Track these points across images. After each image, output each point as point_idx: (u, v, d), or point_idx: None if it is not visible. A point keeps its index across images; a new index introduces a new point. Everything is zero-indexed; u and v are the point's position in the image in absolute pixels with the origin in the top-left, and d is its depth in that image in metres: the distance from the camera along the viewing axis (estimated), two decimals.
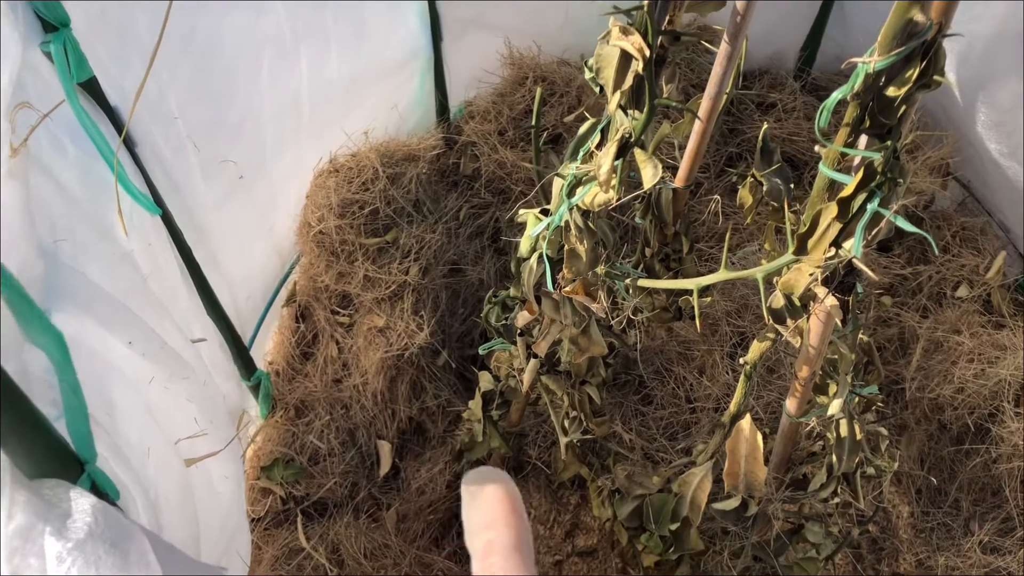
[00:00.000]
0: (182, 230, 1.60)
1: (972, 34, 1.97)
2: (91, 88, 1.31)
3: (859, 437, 1.46)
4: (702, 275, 1.78)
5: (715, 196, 2.01)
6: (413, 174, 2.18)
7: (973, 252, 2.27)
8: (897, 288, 2.25)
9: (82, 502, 0.82)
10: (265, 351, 2.17)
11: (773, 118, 2.43)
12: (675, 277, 1.73)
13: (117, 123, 1.39)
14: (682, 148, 1.59)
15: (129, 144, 1.45)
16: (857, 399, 1.49)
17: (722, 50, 1.31)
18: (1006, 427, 1.96)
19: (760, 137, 1.39)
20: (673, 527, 1.57)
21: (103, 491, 0.96)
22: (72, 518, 0.81)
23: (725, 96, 1.42)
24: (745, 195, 1.50)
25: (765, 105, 2.49)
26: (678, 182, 1.57)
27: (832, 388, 1.46)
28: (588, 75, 1.18)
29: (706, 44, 1.45)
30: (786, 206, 1.36)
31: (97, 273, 1.16)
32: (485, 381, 1.79)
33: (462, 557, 2.00)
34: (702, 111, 1.37)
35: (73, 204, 1.19)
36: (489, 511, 0.50)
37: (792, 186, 1.45)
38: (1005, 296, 2.20)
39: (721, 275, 1.20)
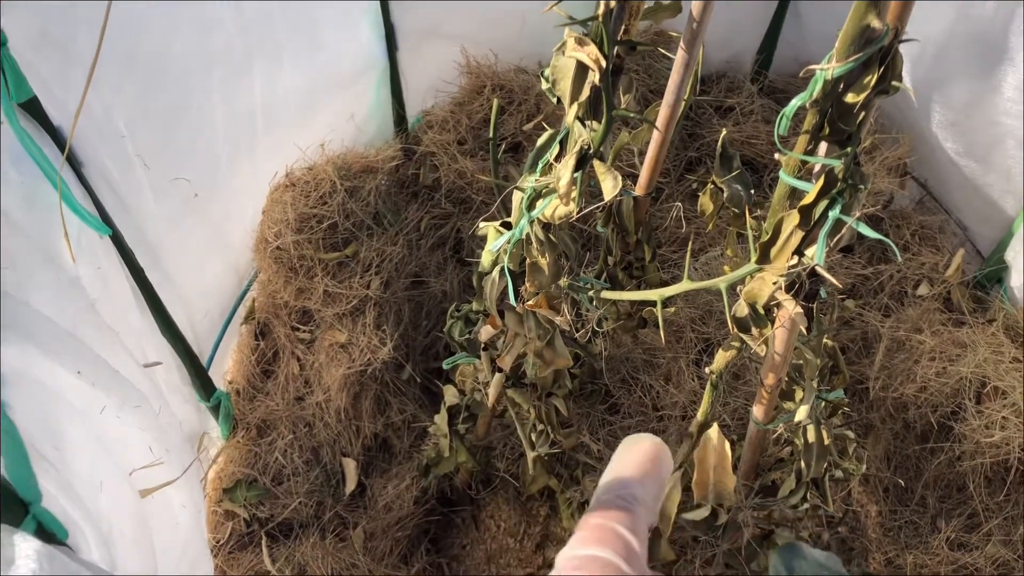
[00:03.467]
0: (133, 250, 1.56)
1: (924, 35, 1.98)
2: (32, 108, 1.27)
3: (827, 442, 1.46)
4: (665, 282, 1.77)
5: (676, 203, 2.00)
6: (372, 186, 2.15)
7: (932, 250, 2.28)
8: (858, 288, 2.26)
9: (25, 547, 0.78)
10: (224, 370, 2.12)
11: (731, 122, 2.44)
12: (638, 285, 1.72)
13: (61, 143, 1.35)
14: (642, 155, 1.58)
15: (75, 164, 1.41)
16: (824, 404, 1.49)
17: (679, 57, 1.29)
18: (968, 424, 1.97)
19: (719, 143, 1.38)
20: None
21: (50, 531, 0.92)
22: (15, 564, 0.78)
23: (683, 103, 1.41)
24: (706, 202, 1.49)
25: (723, 109, 2.49)
26: (639, 190, 1.56)
27: (799, 394, 1.45)
28: (545, 86, 1.16)
29: (663, 51, 1.44)
30: (747, 212, 1.35)
31: (42, 301, 1.12)
32: (450, 395, 1.77)
33: (432, 574, 1.97)
34: (661, 120, 1.36)
35: (16, 230, 1.14)
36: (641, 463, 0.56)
37: (752, 191, 1.44)
38: (964, 293, 2.22)
39: (684, 286, 1.19)
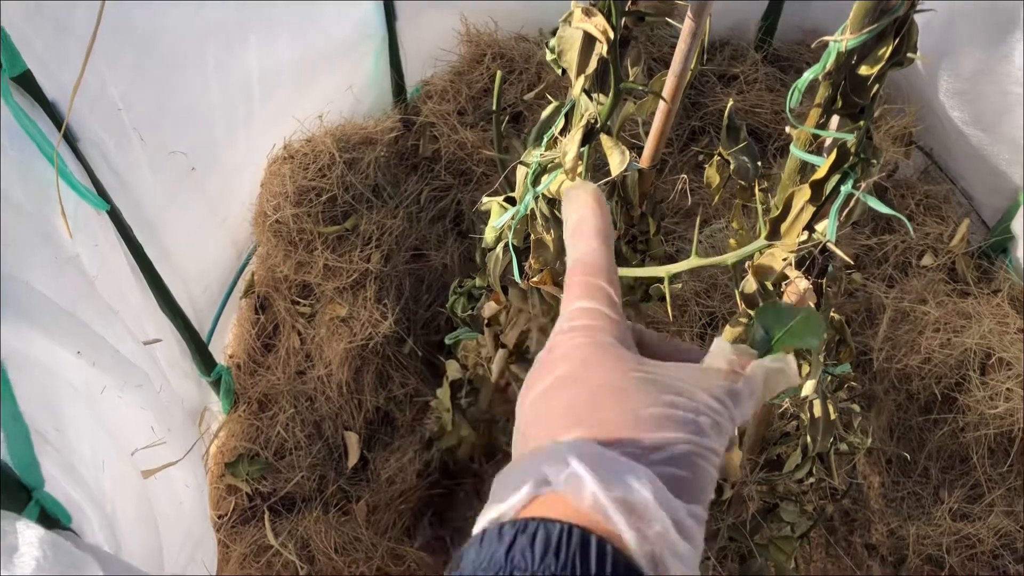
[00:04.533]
0: (131, 226, 1.54)
1: (933, 3, 1.95)
2: (27, 83, 1.24)
3: (833, 417, 1.45)
4: (670, 255, 1.75)
5: (682, 176, 1.98)
6: (371, 158, 2.12)
7: (937, 220, 2.26)
8: (863, 258, 2.24)
9: (29, 534, 0.77)
10: (225, 344, 2.11)
11: (735, 90, 2.40)
12: (643, 259, 1.70)
13: (56, 118, 1.32)
14: (646, 125, 1.55)
15: (71, 139, 1.38)
16: (830, 378, 1.48)
17: (686, 27, 1.26)
18: (972, 396, 1.97)
19: (726, 114, 1.36)
20: None
21: (54, 517, 0.91)
22: (19, 552, 0.77)
23: (689, 73, 1.38)
24: (712, 174, 1.47)
25: (727, 77, 2.46)
26: (643, 162, 1.53)
27: (805, 368, 1.44)
28: (550, 56, 1.14)
29: (669, 20, 1.41)
30: (755, 186, 1.33)
31: (40, 281, 1.10)
32: (452, 370, 1.76)
33: (435, 547, 1.98)
34: (667, 90, 1.33)
35: (11, 208, 1.12)
36: (581, 205, 0.60)
37: (759, 163, 1.42)
38: (969, 264, 2.21)
39: (692, 262, 1.17)
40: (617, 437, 0.47)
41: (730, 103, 1.36)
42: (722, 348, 0.57)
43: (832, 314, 1.44)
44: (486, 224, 1.36)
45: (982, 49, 1.98)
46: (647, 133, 1.56)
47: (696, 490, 0.47)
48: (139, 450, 1.21)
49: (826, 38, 0.96)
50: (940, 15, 1.98)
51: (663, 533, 0.43)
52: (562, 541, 0.41)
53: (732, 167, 1.41)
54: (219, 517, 1.91)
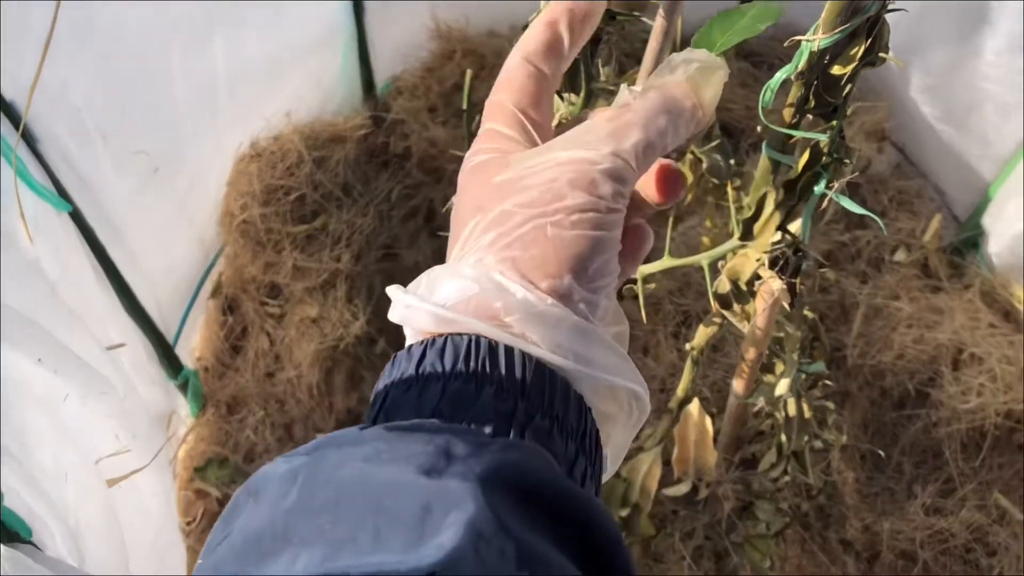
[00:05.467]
0: (94, 228, 1.51)
1: (905, 1, 1.95)
2: None
3: (807, 415, 1.45)
4: None
5: None
6: (340, 156, 2.10)
7: (909, 215, 2.27)
8: (835, 254, 2.24)
9: None
10: (192, 347, 2.07)
11: None
12: None
13: (14, 118, 1.29)
14: None
15: (30, 140, 1.35)
16: (804, 376, 1.48)
17: (657, 25, 1.25)
18: (945, 391, 1.97)
19: None
20: (623, 513, 1.54)
21: (12, 531, 0.88)
22: None
23: None
24: (685, 172, 1.46)
25: None
26: None
27: (779, 367, 1.44)
28: None
29: (640, 16, 1.40)
30: (729, 187, 1.32)
31: None
32: None
33: None
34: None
35: None
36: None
37: (732, 160, 1.41)
38: (941, 259, 2.21)
39: (665, 263, 1.16)
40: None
41: None
42: (620, 92, 0.52)
43: (806, 312, 1.44)
44: None
45: (952, 45, 1.99)
46: None
47: (570, 256, 0.45)
48: (103, 459, 1.18)
49: (798, 37, 0.95)
50: (910, 11, 1.99)
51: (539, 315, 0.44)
52: (471, 350, 0.43)
53: (705, 165, 1.40)
54: (188, 523, 1.88)
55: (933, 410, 2.00)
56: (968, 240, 2.20)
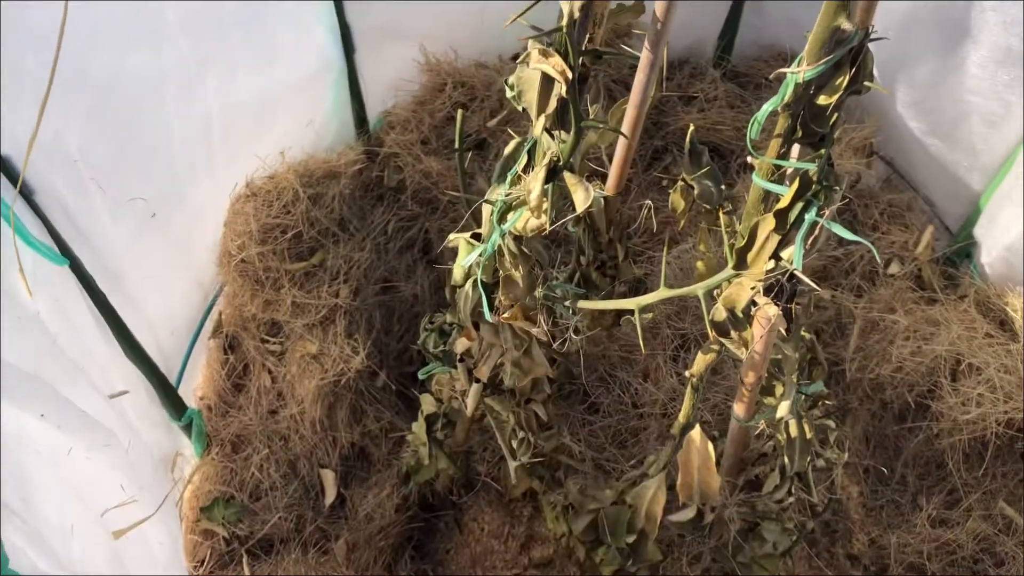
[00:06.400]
0: (94, 276, 1.52)
1: (887, 14, 1.97)
2: None
3: (809, 435, 1.45)
4: (640, 280, 1.75)
5: (646, 202, 1.98)
6: (335, 192, 2.11)
7: (901, 228, 2.28)
8: (829, 269, 2.25)
9: None
10: (195, 387, 2.08)
11: (696, 109, 2.41)
12: (612, 283, 1.70)
13: (10, 173, 1.30)
14: (609, 148, 1.55)
15: (27, 193, 1.36)
16: (804, 397, 1.48)
17: (644, 58, 1.27)
18: (945, 402, 1.98)
19: (687, 140, 1.36)
20: (630, 540, 1.54)
21: None
22: None
23: (649, 102, 1.38)
24: (677, 199, 1.47)
25: (687, 96, 2.47)
26: (608, 190, 1.54)
27: (779, 389, 1.45)
28: (510, 94, 1.13)
29: (625, 47, 1.42)
30: (720, 212, 1.33)
31: (1, 343, 1.08)
32: (427, 404, 1.74)
33: None
34: (627, 121, 1.33)
35: None
36: None
37: (723, 185, 1.43)
38: (935, 271, 2.23)
39: (661, 294, 1.17)
40: None
41: (691, 128, 1.36)
42: None
43: (803, 333, 1.44)
44: (455, 256, 1.36)
45: (936, 59, 2.01)
46: (611, 158, 1.56)
47: None
48: (109, 510, 1.19)
49: (783, 70, 0.97)
50: (894, 27, 2.01)
51: None
52: None
53: (696, 191, 1.41)
54: (196, 565, 1.88)
55: (934, 422, 2.00)
56: (961, 251, 2.22)
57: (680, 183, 1.44)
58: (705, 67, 2.50)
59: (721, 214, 1.40)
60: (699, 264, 1.58)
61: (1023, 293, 2.09)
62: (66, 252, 1.42)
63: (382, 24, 2.18)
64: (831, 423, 1.57)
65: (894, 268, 2.24)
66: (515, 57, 1.13)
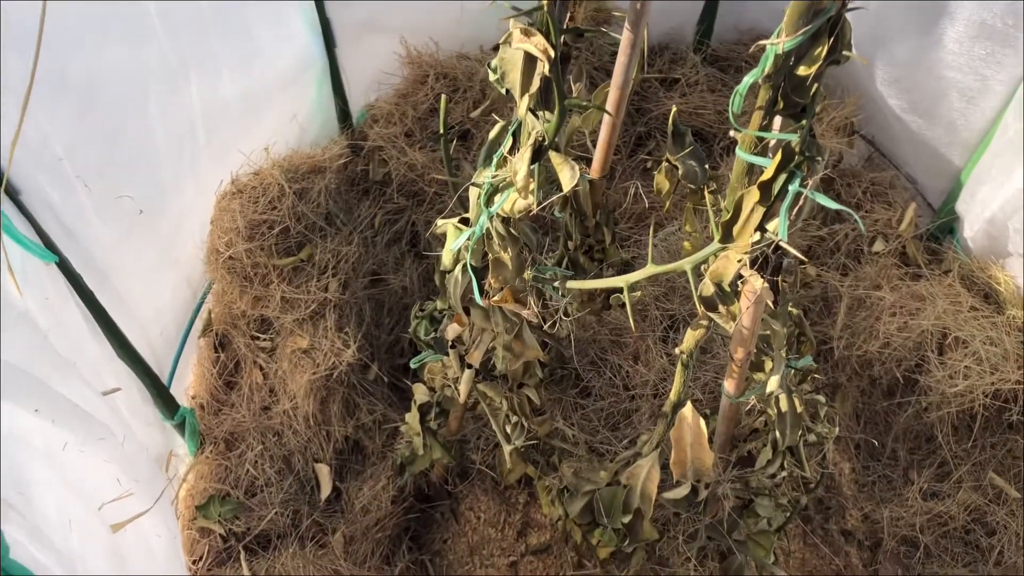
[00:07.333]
0: (82, 275, 1.51)
1: None
2: None
3: (799, 410, 1.46)
4: (627, 262, 1.77)
5: (633, 182, 2.00)
6: (321, 186, 2.11)
7: (884, 206, 2.30)
8: (815, 249, 2.27)
9: None
10: (186, 386, 2.08)
11: (678, 93, 2.43)
12: (600, 267, 1.71)
13: None
14: (593, 135, 1.56)
15: (12, 193, 1.36)
16: (793, 372, 1.50)
17: (625, 38, 1.28)
18: (932, 376, 2.00)
19: (670, 121, 1.37)
20: (626, 519, 1.55)
21: None
22: None
23: (631, 83, 1.39)
24: (662, 180, 1.48)
25: (669, 81, 2.48)
26: (593, 173, 1.55)
27: (768, 364, 1.46)
28: (493, 77, 1.14)
29: (607, 30, 1.43)
30: (704, 191, 1.34)
31: None
32: (420, 393, 1.75)
33: (416, 572, 1.96)
34: (611, 102, 1.34)
35: None
36: None
37: (706, 166, 1.44)
38: (919, 247, 2.25)
39: (649, 270, 1.18)
40: None
41: (674, 109, 1.38)
42: None
43: (790, 308, 1.46)
44: (443, 244, 1.36)
45: (914, 37, 2.03)
46: (595, 143, 1.57)
47: None
48: (106, 504, 1.19)
49: (763, 41, 0.98)
50: (871, 7, 2.03)
51: None
52: None
53: (680, 172, 1.42)
54: (194, 562, 1.88)
55: (922, 396, 2.02)
56: (944, 226, 2.24)
57: (664, 164, 1.46)
58: (685, 52, 2.51)
59: (706, 193, 1.41)
60: (686, 244, 1.60)
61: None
62: (54, 250, 1.41)
63: (362, 18, 2.18)
64: (821, 398, 1.58)
65: (879, 246, 2.26)
66: (497, 48, 1.13)
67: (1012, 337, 1.99)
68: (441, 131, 1.27)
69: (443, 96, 1.24)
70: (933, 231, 2.26)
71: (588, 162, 1.60)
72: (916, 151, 2.26)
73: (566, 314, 1.35)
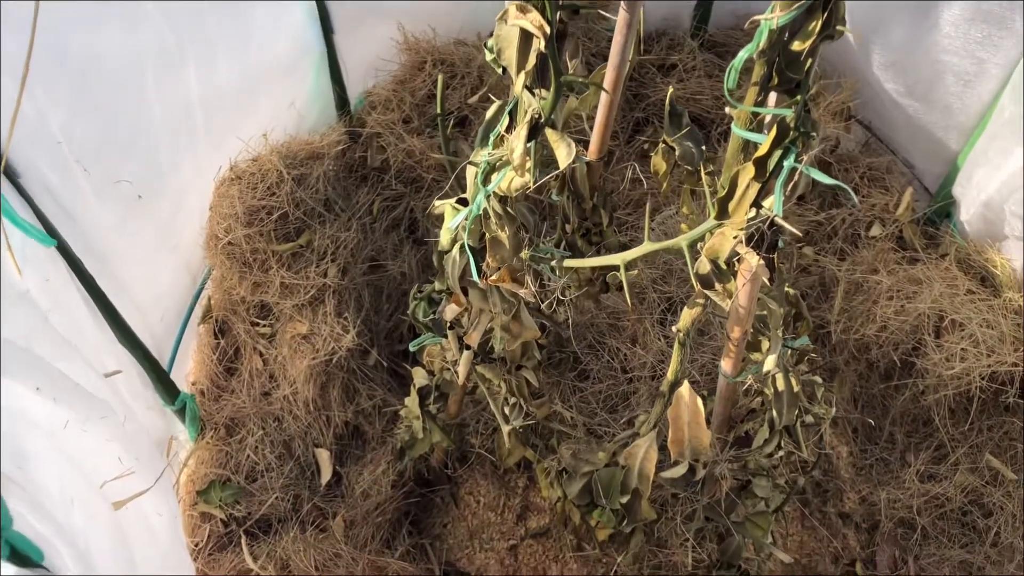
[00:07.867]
0: (81, 258, 1.52)
1: None
2: None
3: (796, 390, 1.47)
4: (624, 245, 1.77)
5: (631, 163, 2.00)
6: (319, 172, 2.12)
7: (881, 191, 2.31)
8: (813, 234, 2.28)
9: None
10: (186, 372, 2.09)
11: (675, 79, 2.43)
12: (598, 250, 1.72)
13: None
14: (590, 119, 1.57)
15: (11, 175, 1.36)
16: (790, 352, 1.50)
17: (621, 18, 1.28)
18: (929, 359, 2.01)
19: (667, 101, 1.38)
20: (624, 500, 1.56)
21: (24, 555, 0.90)
22: None
23: (628, 64, 1.40)
24: (659, 162, 1.49)
25: (666, 67, 2.49)
26: (591, 155, 1.55)
27: (765, 344, 1.47)
28: (489, 56, 1.14)
29: (603, 13, 1.43)
30: (701, 170, 1.35)
31: None
32: (419, 377, 1.76)
33: (416, 556, 1.97)
34: (608, 82, 1.35)
35: None
36: None
37: (703, 148, 1.44)
38: (916, 231, 2.25)
39: (646, 248, 1.19)
40: None
41: (670, 90, 1.38)
42: None
43: (787, 288, 1.47)
44: (440, 229, 1.37)
45: (910, 20, 2.03)
46: (592, 128, 1.58)
47: None
48: (108, 482, 1.20)
49: (757, 17, 0.99)
50: None
51: None
52: None
53: (677, 153, 1.43)
54: (195, 546, 1.89)
55: (919, 379, 2.03)
56: (940, 210, 2.25)
57: (661, 145, 1.46)
58: (682, 38, 2.51)
59: (703, 173, 1.42)
60: (683, 227, 1.60)
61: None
62: (53, 234, 1.42)
63: (360, 4, 2.19)
64: (818, 379, 1.59)
65: (876, 230, 2.27)
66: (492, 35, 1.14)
67: (1008, 320, 2.00)
68: (439, 111, 1.27)
69: (440, 76, 1.24)
70: (930, 215, 2.27)
71: (586, 145, 1.61)
72: (913, 135, 2.26)
73: (563, 294, 1.36)
